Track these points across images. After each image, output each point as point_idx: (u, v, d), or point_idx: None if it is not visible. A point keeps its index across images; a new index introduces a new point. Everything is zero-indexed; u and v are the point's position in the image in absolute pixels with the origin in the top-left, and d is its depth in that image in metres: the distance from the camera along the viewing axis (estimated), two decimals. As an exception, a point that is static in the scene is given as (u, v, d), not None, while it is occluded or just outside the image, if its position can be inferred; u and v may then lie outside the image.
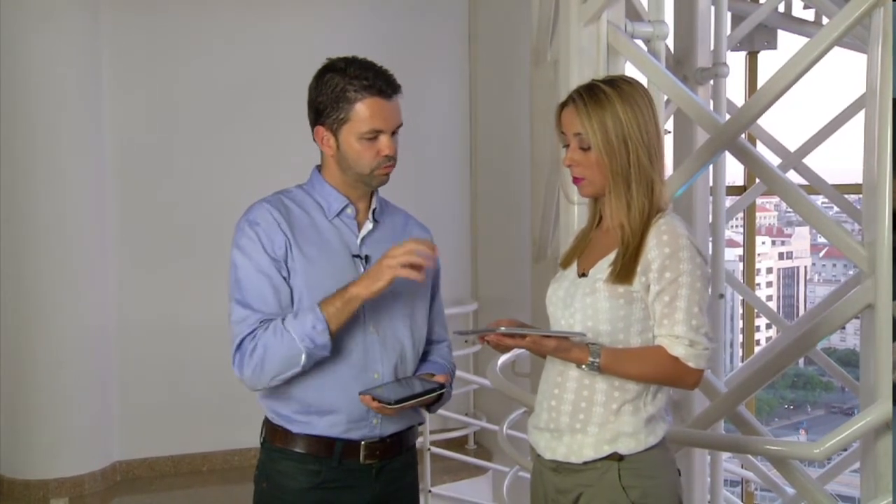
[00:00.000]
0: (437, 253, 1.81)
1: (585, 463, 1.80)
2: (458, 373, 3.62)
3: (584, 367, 1.76)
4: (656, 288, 1.76)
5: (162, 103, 4.90)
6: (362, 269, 1.91)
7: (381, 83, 1.86)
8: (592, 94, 1.79)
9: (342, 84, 1.85)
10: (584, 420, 1.80)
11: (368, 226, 1.96)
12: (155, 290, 4.91)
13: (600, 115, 1.77)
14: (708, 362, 1.78)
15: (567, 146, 1.85)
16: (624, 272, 1.77)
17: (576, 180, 1.85)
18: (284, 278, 1.86)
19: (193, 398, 4.93)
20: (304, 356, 1.81)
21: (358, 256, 1.93)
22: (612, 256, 1.81)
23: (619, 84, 1.81)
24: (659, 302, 1.76)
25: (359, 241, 1.94)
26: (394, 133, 1.90)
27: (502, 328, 1.73)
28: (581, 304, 1.81)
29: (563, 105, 1.85)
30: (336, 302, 1.81)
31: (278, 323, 1.82)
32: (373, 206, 1.98)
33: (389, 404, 1.78)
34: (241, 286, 1.86)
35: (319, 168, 1.99)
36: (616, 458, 1.78)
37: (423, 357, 2.02)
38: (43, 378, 4.59)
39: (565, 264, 1.93)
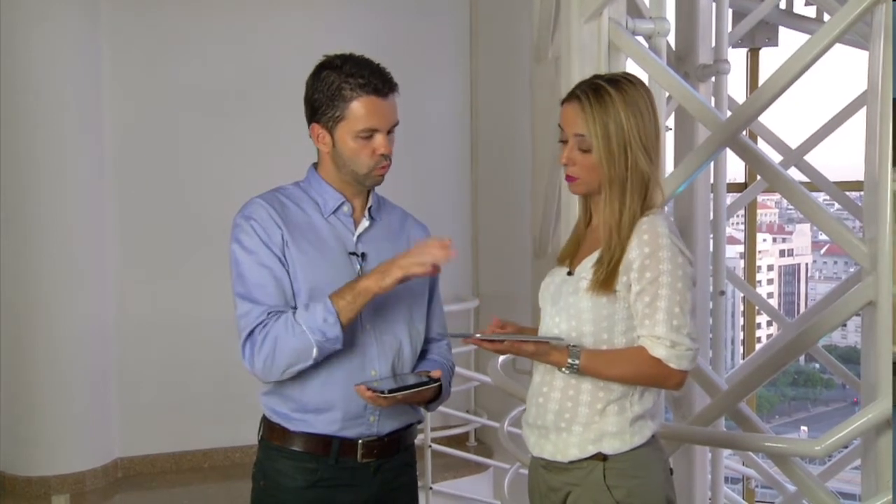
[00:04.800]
0: (454, 253, 1.78)
1: (571, 462, 1.80)
2: (459, 370, 3.63)
3: (564, 369, 1.76)
4: (637, 288, 1.75)
5: (161, 101, 4.90)
6: (358, 267, 1.91)
7: (376, 81, 1.85)
8: (598, 96, 1.77)
9: (338, 82, 1.84)
10: (569, 419, 1.80)
11: (365, 223, 1.96)
12: (155, 287, 4.91)
13: (604, 119, 1.76)
14: (691, 363, 1.75)
15: (564, 141, 1.84)
16: (607, 281, 1.76)
17: (569, 178, 1.84)
18: (286, 270, 1.86)
19: (194, 395, 4.94)
20: (315, 349, 1.80)
21: (354, 254, 1.92)
22: (595, 255, 1.81)
23: (623, 85, 1.78)
24: (640, 302, 1.75)
25: (355, 238, 1.94)
26: (390, 132, 1.89)
27: (478, 334, 1.73)
28: (565, 303, 1.82)
29: (566, 100, 1.84)
30: (346, 295, 1.80)
31: (289, 315, 1.81)
32: (369, 204, 1.98)
33: (382, 393, 1.78)
34: (244, 280, 1.85)
35: (316, 166, 1.98)
36: (600, 457, 1.78)
37: (422, 355, 2.02)
38: (44, 375, 4.59)
39: (561, 260, 1.93)
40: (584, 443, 1.78)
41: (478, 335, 1.73)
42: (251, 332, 1.83)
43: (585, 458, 1.78)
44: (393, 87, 1.88)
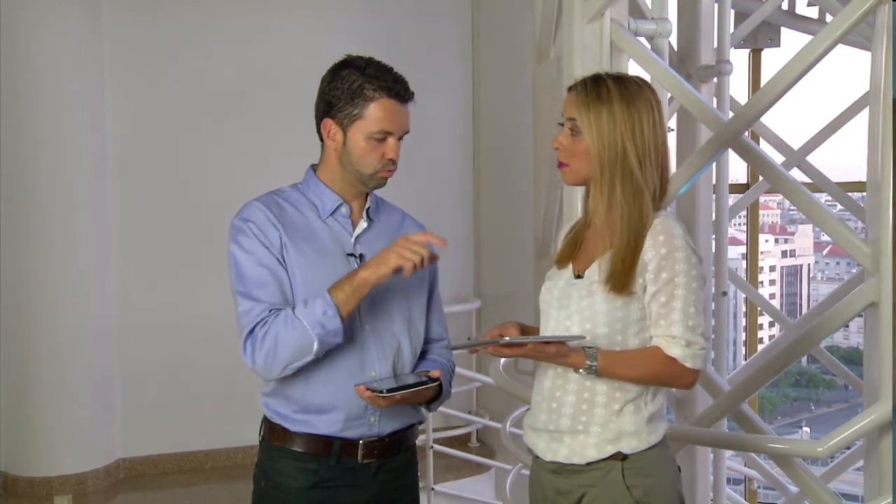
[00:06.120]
0: (445, 245, 1.79)
1: (588, 464, 1.80)
2: (461, 370, 3.63)
3: (581, 371, 1.76)
4: (652, 289, 1.76)
5: (162, 101, 4.91)
6: (356, 268, 1.91)
7: (398, 87, 1.88)
8: (595, 86, 1.80)
9: (360, 81, 1.86)
10: (585, 421, 1.80)
11: (363, 224, 1.97)
12: (157, 288, 4.92)
13: (597, 108, 1.77)
14: (704, 362, 1.78)
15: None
16: (622, 282, 1.76)
17: (560, 165, 1.86)
18: (284, 269, 1.86)
19: (196, 395, 4.94)
20: (316, 343, 1.81)
21: (352, 255, 1.93)
22: (606, 257, 1.81)
23: (627, 84, 1.80)
24: (655, 302, 1.76)
25: (353, 239, 1.95)
26: (400, 138, 1.91)
27: (507, 338, 1.73)
28: (578, 306, 1.81)
29: (569, 89, 1.86)
30: (345, 287, 1.81)
31: (288, 311, 1.82)
32: (367, 205, 1.98)
33: (381, 393, 1.78)
34: (243, 279, 1.86)
35: (314, 167, 1.99)
36: (619, 457, 1.78)
37: (422, 356, 2.02)
38: (46, 376, 4.60)
39: (560, 263, 1.93)
40: (603, 443, 1.79)
41: (506, 338, 1.73)
42: (252, 330, 1.83)
43: (603, 459, 1.79)
44: (411, 96, 1.91)
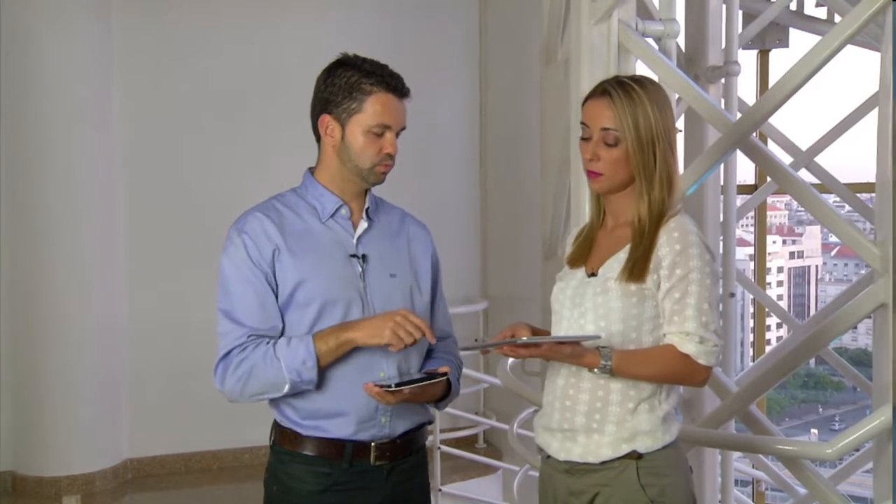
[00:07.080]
0: (430, 340, 1.84)
1: (603, 462, 1.80)
2: (468, 371, 3.63)
3: (595, 370, 1.77)
4: (666, 285, 1.77)
5: (170, 103, 4.92)
6: (360, 269, 1.92)
7: (395, 82, 1.89)
8: (625, 91, 1.80)
9: (357, 76, 1.87)
10: (600, 420, 1.80)
11: (363, 225, 1.97)
12: (165, 289, 4.92)
13: (633, 111, 1.79)
14: (717, 359, 1.79)
15: (586, 138, 1.84)
16: (638, 270, 1.77)
17: (592, 174, 1.84)
18: (271, 287, 1.87)
19: (204, 396, 4.87)
20: (287, 386, 1.84)
21: (355, 256, 1.93)
22: (620, 255, 1.82)
23: (646, 83, 1.83)
24: (669, 299, 1.77)
25: (354, 240, 1.95)
26: (398, 134, 1.92)
27: (524, 338, 1.74)
28: (592, 303, 1.82)
29: (591, 96, 1.85)
30: (330, 340, 1.82)
31: (270, 349, 1.84)
32: (366, 205, 1.98)
33: (390, 388, 1.78)
34: (227, 296, 1.90)
35: (312, 170, 2.00)
36: (634, 456, 1.78)
37: (428, 354, 2.02)
38: (54, 376, 4.61)
39: (573, 263, 1.93)
40: (618, 442, 1.79)
41: (523, 339, 1.74)
42: (228, 353, 1.88)
43: (618, 458, 1.79)
44: (407, 92, 1.92)
